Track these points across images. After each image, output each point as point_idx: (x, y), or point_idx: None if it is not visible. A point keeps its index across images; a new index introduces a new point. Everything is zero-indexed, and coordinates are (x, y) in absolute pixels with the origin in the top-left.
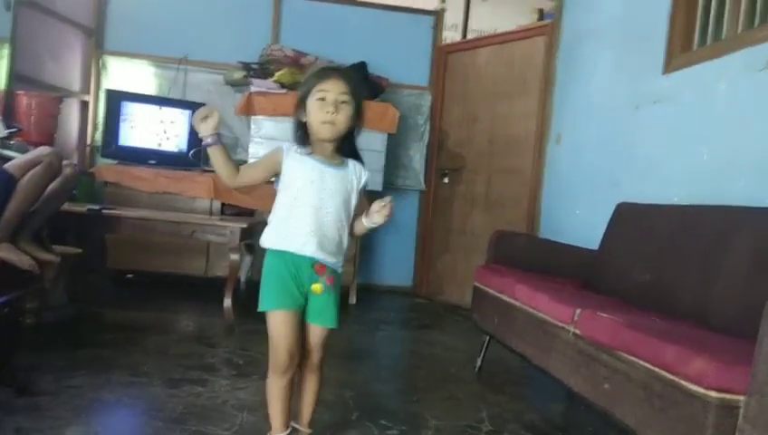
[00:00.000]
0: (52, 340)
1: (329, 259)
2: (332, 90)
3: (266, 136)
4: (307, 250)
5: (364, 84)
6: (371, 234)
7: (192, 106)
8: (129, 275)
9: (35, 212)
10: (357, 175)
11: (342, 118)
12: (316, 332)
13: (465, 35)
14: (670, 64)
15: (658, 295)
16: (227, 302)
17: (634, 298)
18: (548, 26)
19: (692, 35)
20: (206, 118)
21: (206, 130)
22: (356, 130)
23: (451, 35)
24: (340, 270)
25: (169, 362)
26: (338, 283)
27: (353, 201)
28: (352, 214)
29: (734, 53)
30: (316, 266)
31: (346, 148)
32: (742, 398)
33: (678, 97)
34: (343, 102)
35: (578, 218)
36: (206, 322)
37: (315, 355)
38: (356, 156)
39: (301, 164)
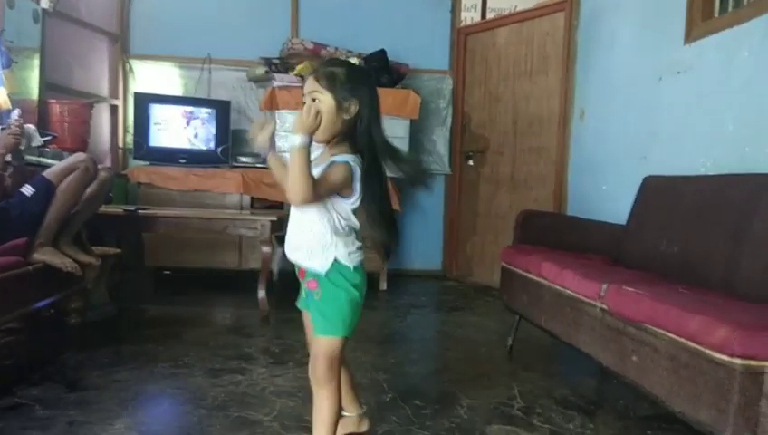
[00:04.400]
0: (97, 337)
1: (303, 263)
2: (306, 91)
3: (291, 129)
4: (289, 255)
5: (352, 72)
6: (398, 220)
7: (218, 104)
8: (167, 272)
9: (74, 216)
10: (323, 165)
11: (327, 114)
12: (310, 330)
13: (483, 15)
14: (692, 33)
15: (687, 267)
16: (261, 293)
17: (663, 271)
18: (567, 2)
19: (713, 3)
20: (262, 128)
21: (262, 143)
22: (359, 120)
23: (470, 16)
24: (322, 272)
25: (209, 353)
26: (324, 289)
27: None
28: (328, 213)
29: (755, 19)
30: (299, 271)
31: (357, 143)
32: (767, 364)
33: (701, 66)
34: (315, 100)
35: (605, 194)
36: (242, 313)
37: (312, 362)
38: (371, 149)
39: None
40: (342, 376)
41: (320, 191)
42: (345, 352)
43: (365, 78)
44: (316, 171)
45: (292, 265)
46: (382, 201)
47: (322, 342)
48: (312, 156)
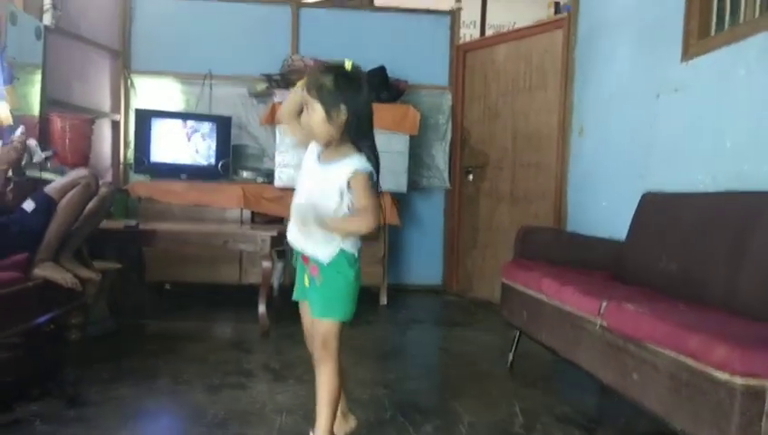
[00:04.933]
0: (97, 353)
1: (307, 250)
2: (302, 100)
3: (291, 144)
4: (293, 242)
5: (338, 79)
6: (397, 235)
7: (219, 120)
8: (167, 287)
9: (75, 231)
10: (342, 170)
11: (310, 119)
12: (308, 315)
13: (483, 32)
14: (688, 52)
15: (686, 284)
16: (262, 308)
17: (662, 288)
18: (565, 19)
19: (709, 21)
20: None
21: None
22: (347, 125)
23: (469, 32)
24: (325, 262)
25: (209, 368)
26: (326, 275)
27: (333, 196)
28: (337, 208)
29: (752, 38)
30: (302, 257)
31: (358, 144)
32: None
33: (699, 84)
34: (308, 105)
35: (604, 210)
36: (242, 328)
37: (313, 343)
38: (367, 150)
39: (305, 162)
40: None
41: (372, 204)
42: (344, 335)
43: (352, 83)
44: (333, 172)
45: (293, 282)
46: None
47: (322, 325)
48: (316, 152)
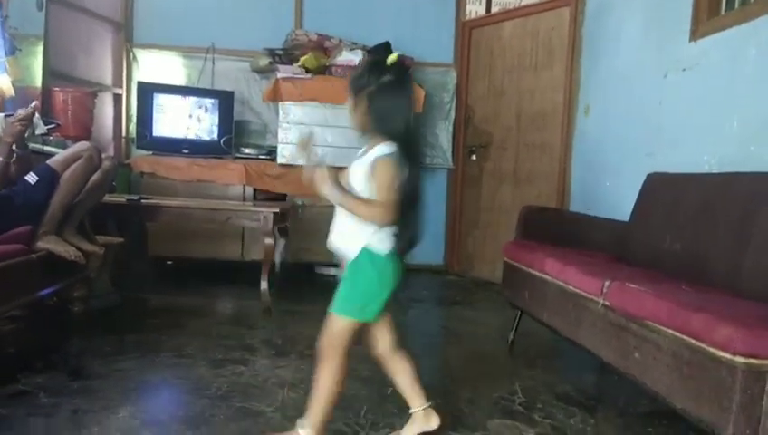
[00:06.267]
0: (100, 326)
1: (337, 245)
2: None
3: (294, 121)
4: (330, 241)
5: (358, 72)
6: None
7: (221, 95)
8: (169, 262)
9: (78, 205)
10: (367, 163)
11: (350, 112)
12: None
13: (488, 9)
14: (698, 30)
15: (690, 265)
16: (264, 284)
17: (666, 268)
18: None
19: (719, 0)
20: (305, 147)
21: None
22: (372, 119)
23: (475, 9)
24: (354, 256)
25: (212, 343)
26: (349, 270)
27: (359, 186)
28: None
29: (763, 17)
30: (341, 259)
31: (382, 134)
32: None
33: (707, 63)
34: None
35: (608, 190)
36: (244, 304)
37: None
38: (396, 137)
39: None
40: (401, 368)
41: (387, 199)
42: (354, 335)
43: (374, 71)
44: (361, 169)
45: (295, 257)
46: (412, 189)
47: (333, 320)
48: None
